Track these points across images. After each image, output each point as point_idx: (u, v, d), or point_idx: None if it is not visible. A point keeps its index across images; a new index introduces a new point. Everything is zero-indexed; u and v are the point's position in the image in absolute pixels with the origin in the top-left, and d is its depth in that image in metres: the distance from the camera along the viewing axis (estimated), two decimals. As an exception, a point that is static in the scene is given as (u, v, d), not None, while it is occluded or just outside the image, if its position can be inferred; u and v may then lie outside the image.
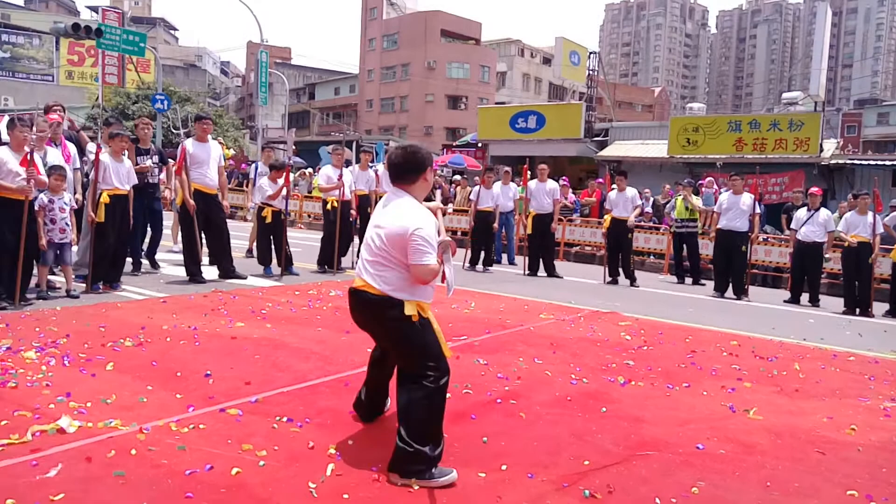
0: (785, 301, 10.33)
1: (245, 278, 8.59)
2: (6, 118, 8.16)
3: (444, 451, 3.11)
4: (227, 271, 8.54)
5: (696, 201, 12.28)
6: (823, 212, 10.29)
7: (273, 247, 9.43)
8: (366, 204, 10.69)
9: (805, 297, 10.35)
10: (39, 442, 3.12)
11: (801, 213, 10.47)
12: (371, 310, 3.22)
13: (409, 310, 3.08)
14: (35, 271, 6.70)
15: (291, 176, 18.35)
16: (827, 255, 10.75)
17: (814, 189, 10.95)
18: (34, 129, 6.70)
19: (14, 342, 4.77)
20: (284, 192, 9.42)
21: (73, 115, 13.78)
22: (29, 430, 3.20)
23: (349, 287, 3.35)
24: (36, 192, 6.42)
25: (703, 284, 11.54)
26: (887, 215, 11.53)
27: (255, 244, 11.19)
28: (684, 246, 12.18)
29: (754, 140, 19.43)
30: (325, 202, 10.15)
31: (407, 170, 3.25)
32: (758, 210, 10.60)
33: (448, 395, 4.10)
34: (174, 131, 24.05)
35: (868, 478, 3.30)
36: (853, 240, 9.55)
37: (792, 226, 10.70)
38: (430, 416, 3.02)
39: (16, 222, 6.16)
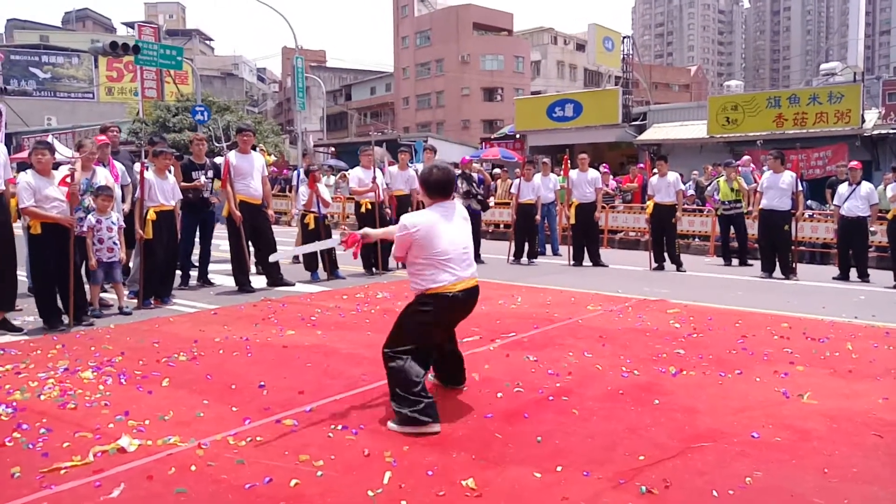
0: (834, 278, 10.10)
1: (293, 285, 8.73)
2: (50, 137, 8.42)
3: (501, 452, 3.19)
4: (276, 280, 8.70)
5: (741, 181, 12.05)
6: (865, 185, 10.02)
7: (318, 252, 9.55)
8: (406, 204, 10.73)
9: (854, 273, 10.09)
10: (102, 462, 3.20)
11: (843, 189, 10.22)
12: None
13: None
14: (87, 291, 6.91)
15: (332, 178, 18.55)
16: (872, 229, 10.48)
17: (853, 163, 10.67)
18: (80, 150, 6.93)
19: (71, 363, 4.91)
20: (315, 198, 9.53)
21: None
22: (91, 451, 3.28)
23: (464, 288, 3.85)
24: (81, 212, 6.60)
25: (751, 265, 11.33)
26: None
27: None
28: (731, 227, 11.97)
29: (794, 115, 18.95)
30: (358, 204, 10.19)
31: (449, 185, 4.00)
32: (800, 188, 10.36)
33: (500, 394, 4.17)
34: (216, 143, 24.40)
35: (929, 460, 3.23)
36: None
37: (835, 202, 10.45)
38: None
39: (60, 249, 6.25)
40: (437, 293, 3.80)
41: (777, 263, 10.19)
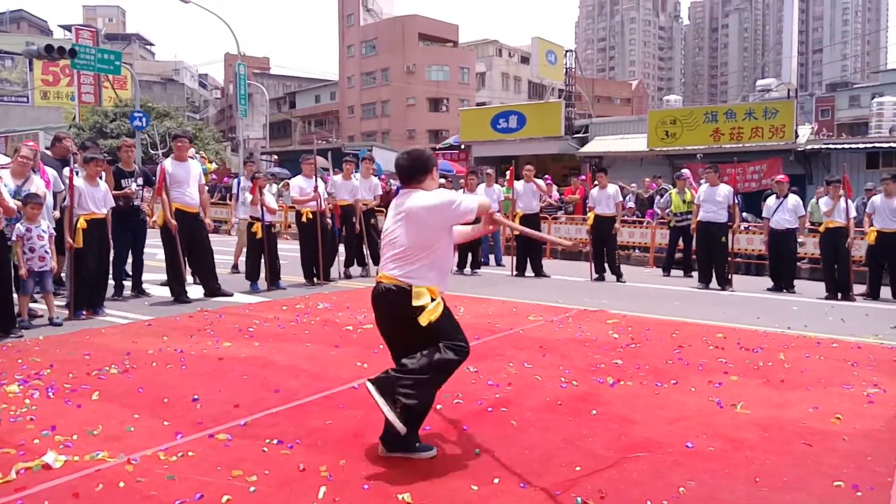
0: (768, 289, 10.42)
1: (231, 295, 8.55)
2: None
3: (439, 465, 3.16)
4: (213, 290, 8.51)
5: (692, 193, 12.36)
6: (792, 198, 10.42)
7: (263, 261, 9.37)
8: (350, 214, 10.63)
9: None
10: (25, 480, 3.08)
11: (771, 201, 10.59)
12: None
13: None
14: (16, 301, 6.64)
15: (275, 187, 18.28)
16: (800, 240, 10.87)
17: (780, 176, 11.13)
18: (16, 156, 6.68)
19: (-4, 376, 4.71)
20: (260, 205, 9.39)
21: (50, 135, 13.62)
22: (13, 469, 3.15)
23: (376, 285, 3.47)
24: (4, 220, 6.34)
25: (693, 276, 11.61)
26: (863, 198, 11.68)
27: (240, 259, 11.17)
28: (680, 239, 12.26)
29: (731, 130, 19.58)
30: (299, 213, 10.00)
31: (416, 170, 3.49)
32: (736, 201, 10.70)
33: (439, 406, 4.15)
34: (153, 150, 23.80)
35: (854, 468, 3.34)
36: (830, 225, 9.71)
37: (763, 214, 10.81)
38: None
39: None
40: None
41: (714, 275, 10.46)
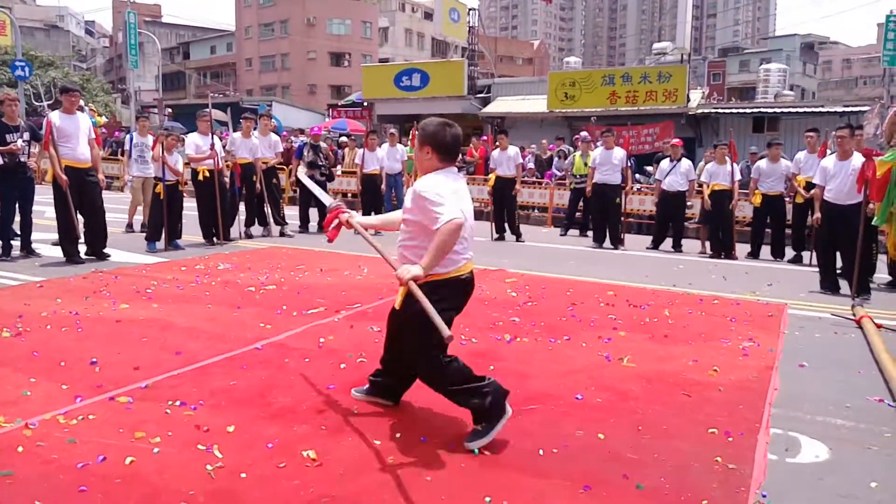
0: (647, 248, 11.00)
1: (109, 257, 8.20)
2: None
3: (343, 422, 3.29)
4: (100, 254, 8.15)
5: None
6: (685, 162, 11.00)
7: (167, 221, 9.07)
8: (250, 172, 10.44)
9: (669, 244, 11.05)
10: (-85, 448, 2.99)
11: (665, 164, 11.14)
12: None
13: None
14: None
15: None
16: (689, 203, 11.51)
17: (674, 140, 11.69)
18: None
19: None
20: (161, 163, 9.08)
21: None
22: None
23: (467, 274, 3.36)
24: None
25: (588, 236, 12.08)
26: (746, 162, 12.43)
27: (135, 218, 10.79)
28: (580, 200, 12.68)
29: (627, 93, 20.26)
30: (195, 172, 9.65)
31: (460, 145, 3.45)
32: (629, 163, 11.17)
33: (343, 365, 4.25)
34: (37, 101, 22.35)
35: (727, 415, 3.66)
36: (716, 188, 10.30)
37: (656, 176, 11.35)
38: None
39: None
40: (453, 277, 3.26)
41: (607, 234, 10.95)
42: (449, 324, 3.02)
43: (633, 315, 5.91)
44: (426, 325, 2.89)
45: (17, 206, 8.06)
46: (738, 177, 10.44)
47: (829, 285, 7.56)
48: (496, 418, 3.15)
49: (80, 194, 7.88)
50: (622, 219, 11.19)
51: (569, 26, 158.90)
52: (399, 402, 3.65)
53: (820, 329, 5.81)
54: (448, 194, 3.09)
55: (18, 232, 8.24)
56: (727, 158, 10.38)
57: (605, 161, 10.83)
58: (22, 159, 7.98)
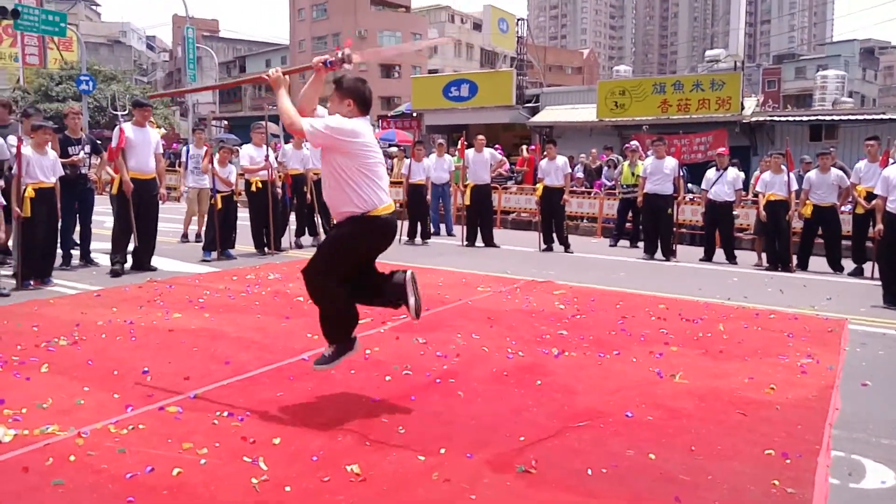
0: (700, 259, 10.73)
1: (156, 269, 8.30)
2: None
3: (387, 436, 3.29)
4: (141, 264, 8.26)
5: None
6: (732, 171, 10.74)
7: (220, 231, 9.24)
8: (301, 182, 10.59)
9: (721, 255, 10.74)
10: (-27, 455, 3.07)
11: (711, 174, 10.87)
12: None
13: None
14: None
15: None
16: (736, 212, 11.21)
17: (721, 149, 11.42)
18: None
19: (-59, 349, 4.63)
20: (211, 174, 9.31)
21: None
22: (-39, 444, 3.14)
23: (392, 211, 3.82)
24: None
25: (640, 247, 11.86)
26: (799, 171, 12.07)
27: (189, 228, 11.03)
28: (629, 210, 12.49)
29: (678, 101, 19.90)
30: (248, 182, 9.90)
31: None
32: (681, 173, 10.95)
33: (388, 377, 4.24)
34: (113, 111, 23.17)
35: (785, 436, 3.51)
36: (771, 198, 10.01)
37: (703, 186, 11.10)
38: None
39: None
40: (375, 215, 3.69)
41: (659, 246, 10.74)
42: (354, 265, 3.77)
43: (685, 329, 5.76)
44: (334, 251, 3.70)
45: (77, 216, 8.31)
46: (794, 186, 10.13)
47: (892, 299, 7.26)
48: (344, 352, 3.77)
49: (139, 205, 8.06)
50: (674, 230, 10.97)
51: (619, 35, 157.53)
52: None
53: (883, 346, 5.57)
54: (361, 129, 3.66)
55: (78, 242, 8.48)
56: (783, 167, 10.09)
57: (657, 171, 10.64)
58: (83, 171, 8.23)
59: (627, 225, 12.82)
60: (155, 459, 3.04)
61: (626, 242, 12.64)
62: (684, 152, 14.98)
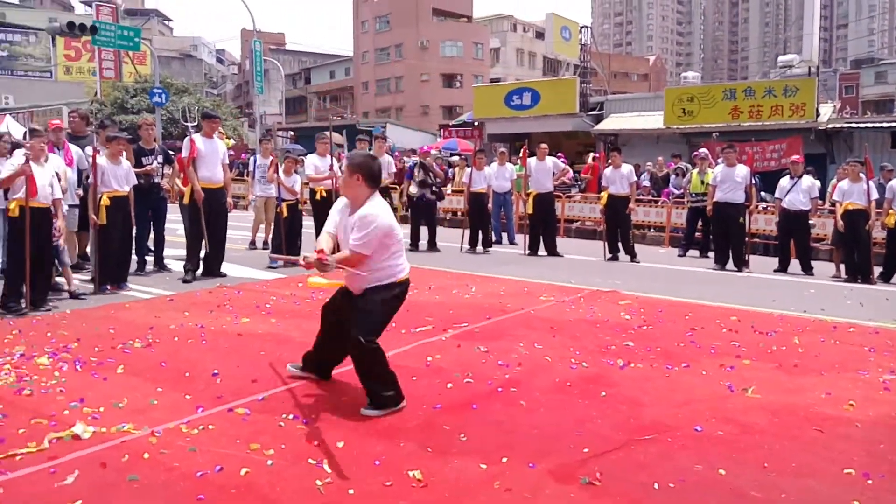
0: (774, 270, 10.37)
1: (225, 276, 8.50)
2: (7, 117, 8.29)
3: (448, 443, 3.27)
4: (212, 270, 8.48)
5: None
6: (807, 179, 10.34)
7: (286, 239, 9.45)
8: (383, 194, 10.73)
9: (797, 266, 10.36)
10: (56, 449, 3.21)
11: (785, 182, 10.51)
12: None
13: None
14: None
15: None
16: (812, 222, 10.79)
17: (795, 157, 11.02)
18: (32, 138, 6.81)
19: (27, 348, 4.87)
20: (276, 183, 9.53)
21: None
22: (46, 438, 3.29)
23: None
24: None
25: (710, 257, 11.55)
26: (878, 179, 11.54)
27: (257, 236, 11.30)
28: (699, 219, 12.22)
29: (750, 108, 19.36)
30: (313, 191, 10.04)
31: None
32: (753, 181, 10.62)
33: (450, 384, 4.23)
34: (184, 122, 24.05)
35: (865, 455, 3.35)
36: (850, 207, 9.62)
37: (776, 194, 10.73)
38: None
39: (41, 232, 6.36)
40: (403, 280, 3.96)
41: (730, 256, 10.44)
42: (392, 316, 4.02)
43: (758, 342, 5.57)
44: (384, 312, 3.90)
45: (150, 224, 8.61)
46: (874, 195, 9.71)
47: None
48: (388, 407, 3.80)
49: (209, 214, 8.30)
50: (746, 239, 10.64)
51: (686, 41, 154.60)
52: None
53: (972, 362, 5.27)
54: (383, 213, 3.86)
55: (152, 248, 8.78)
56: (862, 176, 9.69)
57: (727, 178, 10.34)
58: (156, 180, 8.53)
59: (697, 234, 12.53)
60: (224, 459, 3.11)
61: (696, 252, 12.33)
62: (756, 160, 14.60)
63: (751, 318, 6.49)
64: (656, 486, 2.96)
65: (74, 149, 8.17)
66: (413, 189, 11.66)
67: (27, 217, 6.15)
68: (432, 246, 11.50)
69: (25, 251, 6.15)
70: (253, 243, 11.24)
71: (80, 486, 2.86)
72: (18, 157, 6.31)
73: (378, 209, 3.87)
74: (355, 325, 3.82)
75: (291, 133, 33.16)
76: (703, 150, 13.23)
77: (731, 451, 3.36)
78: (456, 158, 20.02)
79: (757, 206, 11.45)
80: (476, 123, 27.00)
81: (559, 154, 16.14)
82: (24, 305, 6.23)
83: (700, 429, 3.63)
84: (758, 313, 6.85)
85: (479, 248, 11.71)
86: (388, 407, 3.76)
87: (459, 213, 15.95)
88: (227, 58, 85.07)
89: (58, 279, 7.22)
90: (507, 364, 4.74)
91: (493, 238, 12.47)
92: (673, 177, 15.12)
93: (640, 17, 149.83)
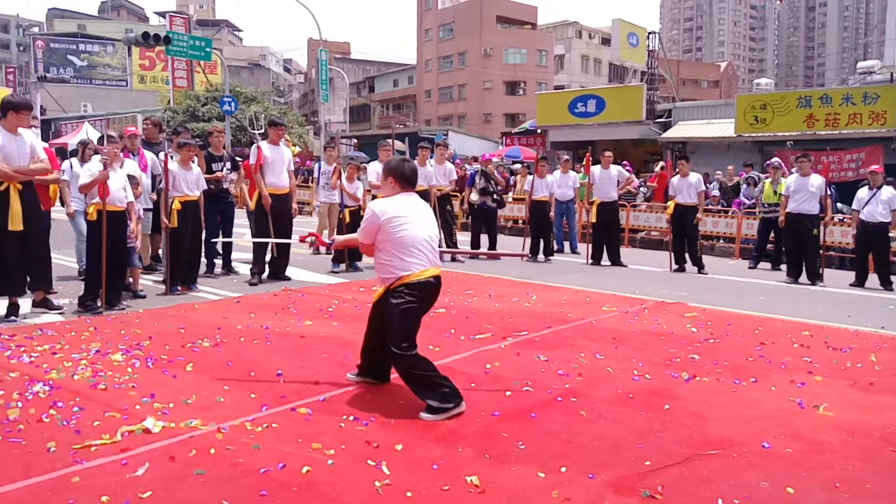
0: (851, 284, 9.96)
1: (290, 279, 8.66)
2: (85, 124, 8.68)
3: (506, 450, 3.27)
4: (277, 273, 8.65)
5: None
6: (886, 189, 9.85)
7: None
8: (423, 199, 10.78)
9: (875, 281, 9.92)
10: (128, 441, 3.34)
11: (863, 193, 10.06)
12: None
13: None
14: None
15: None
16: (892, 234, 10.30)
17: (875, 167, 10.54)
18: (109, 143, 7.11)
19: (102, 345, 5.08)
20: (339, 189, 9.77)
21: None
22: (119, 431, 3.43)
23: (434, 274, 4.00)
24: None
25: (781, 270, 11.18)
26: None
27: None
28: (771, 230, 11.87)
29: (826, 116, 18.72)
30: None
31: (416, 178, 4.27)
32: (829, 191, 10.24)
33: (508, 392, 4.21)
34: (252, 130, 24.80)
35: (946, 479, 3.19)
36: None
37: (854, 206, 10.30)
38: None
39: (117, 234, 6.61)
40: (416, 281, 3.91)
41: (804, 269, 10.09)
42: (418, 319, 4.00)
43: (832, 359, 5.35)
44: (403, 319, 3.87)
45: (219, 228, 8.86)
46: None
47: None
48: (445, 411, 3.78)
49: (275, 219, 8.49)
50: (821, 252, 10.25)
51: (759, 46, 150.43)
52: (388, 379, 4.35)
53: None
54: (388, 207, 3.98)
55: (220, 251, 9.04)
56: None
57: (801, 188, 10.00)
58: (224, 186, 8.78)
59: (769, 246, 12.16)
60: (286, 457, 3.18)
61: (768, 265, 11.95)
62: (832, 170, 14.08)
63: (824, 334, 6.25)
64: (720, 501, 2.87)
65: (148, 154, 8.51)
66: (474, 196, 11.68)
67: (104, 220, 6.40)
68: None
69: (102, 253, 6.41)
70: (317, 248, 11.43)
71: (150, 477, 2.97)
72: (95, 162, 6.59)
73: (382, 202, 4.03)
74: (387, 335, 3.93)
75: (355, 140, 33.70)
76: (776, 160, 12.85)
77: (801, 470, 3.24)
78: (518, 166, 19.95)
79: (832, 218, 11.04)
80: (539, 131, 26.87)
81: (624, 162, 15.93)
82: (99, 304, 6.49)
83: (768, 445, 3.51)
84: (832, 329, 6.59)
85: (541, 256, 11.64)
86: (440, 413, 3.75)
87: (521, 222, 15.90)
88: (294, 67, 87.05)
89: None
90: (568, 374, 4.69)
91: (555, 247, 12.37)
92: (744, 186, 14.72)
93: (711, 23, 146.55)
